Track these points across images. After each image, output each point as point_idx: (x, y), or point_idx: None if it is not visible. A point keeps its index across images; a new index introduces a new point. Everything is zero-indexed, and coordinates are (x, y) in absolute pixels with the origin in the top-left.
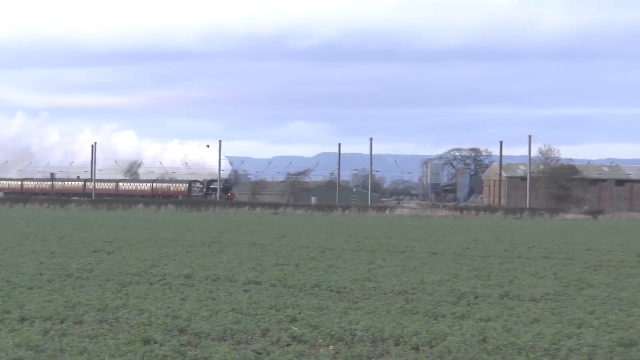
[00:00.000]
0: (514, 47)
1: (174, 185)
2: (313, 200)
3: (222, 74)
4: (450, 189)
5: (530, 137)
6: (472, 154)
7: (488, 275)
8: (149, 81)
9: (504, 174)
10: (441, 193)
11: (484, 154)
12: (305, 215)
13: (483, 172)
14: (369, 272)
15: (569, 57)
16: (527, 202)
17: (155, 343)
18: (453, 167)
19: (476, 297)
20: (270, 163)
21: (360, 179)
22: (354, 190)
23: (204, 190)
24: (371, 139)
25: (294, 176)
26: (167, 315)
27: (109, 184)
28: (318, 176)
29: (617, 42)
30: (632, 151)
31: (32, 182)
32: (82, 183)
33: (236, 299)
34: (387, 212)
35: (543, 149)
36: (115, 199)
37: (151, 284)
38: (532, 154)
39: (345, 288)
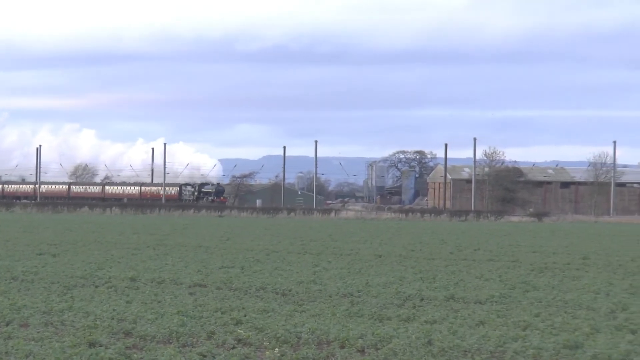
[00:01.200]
0: (462, 49)
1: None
2: (258, 202)
3: (170, 76)
4: (396, 192)
5: (475, 139)
6: (417, 157)
7: (433, 278)
8: (96, 84)
9: (449, 176)
10: (386, 195)
11: (429, 156)
12: (250, 217)
13: (428, 174)
14: (315, 274)
15: (515, 60)
16: (472, 204)
17: (101, 346)
18: (398, 169)
19: (421, 300)
20: (215, 165)
21: (306, 181)
22: (299, 192)
23: (196, 194)
24: (316, 142)
25: (239, 179)
26: (112, 318)
27: (95, 187)
28: (263, 179)
29: (564, 45)
30: (578, 153)
31: (14, 186)
32: (67, 186)
33: (181, 302)
34: (333, 214)
35: (488, 151)
36: (99, 202)
37: (96, 286)
38: (477, 157)
39: (290, 291)
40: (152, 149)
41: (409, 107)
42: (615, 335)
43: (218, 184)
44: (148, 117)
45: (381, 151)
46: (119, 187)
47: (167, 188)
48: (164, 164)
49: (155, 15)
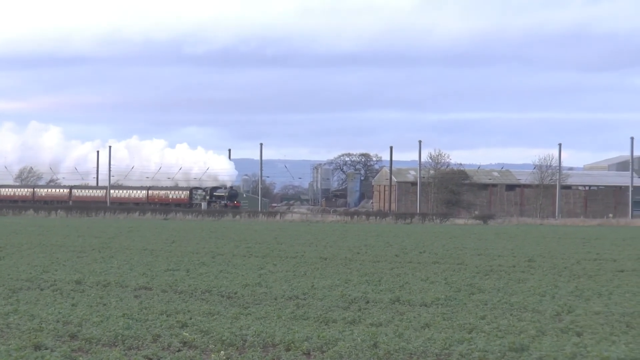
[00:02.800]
0: (410, 52)
1: (172, 192)
2: (203, 205)
3: (118, 79)
4: (341, 194)
5: (420, 142)
6: (363, 159)
7: (379, 281)
8: (44, 86)
9: (394, 179)
10: (332, 198)
11: (374, 159)
12: (195, 220)
13: (373, 177)
14: (260, 277)
15: (463, 62)
16: (417, 207)
17: (46, 349)
18: (343, 172)
19: (367, 302)
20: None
21: (251, 184)
22: (244, 195)
23: (207, 198)
24: (261, 144)
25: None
26: (58, 321)
27: (99, 191)
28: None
29: (512, 47)
30: (523, 156)
31: (10, 190)
32: (68, 190)
33: (127, 305)
34: (278, 217)
35: (433, 154)
36: (104, 206)
37: (42, 289)
38: (423, 159)
39: (236, 293)
40: (98, 151)
41: (355, 109)
42: (560, 337)
43: (231, 187)
44: (95, 120)
45: (326, 154)
46: (124, 191)
47: (176, 192)
48: (109, 168)
49: (104, 18)
